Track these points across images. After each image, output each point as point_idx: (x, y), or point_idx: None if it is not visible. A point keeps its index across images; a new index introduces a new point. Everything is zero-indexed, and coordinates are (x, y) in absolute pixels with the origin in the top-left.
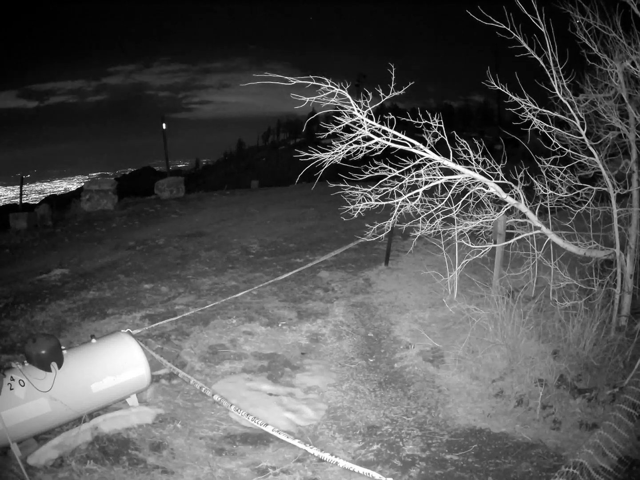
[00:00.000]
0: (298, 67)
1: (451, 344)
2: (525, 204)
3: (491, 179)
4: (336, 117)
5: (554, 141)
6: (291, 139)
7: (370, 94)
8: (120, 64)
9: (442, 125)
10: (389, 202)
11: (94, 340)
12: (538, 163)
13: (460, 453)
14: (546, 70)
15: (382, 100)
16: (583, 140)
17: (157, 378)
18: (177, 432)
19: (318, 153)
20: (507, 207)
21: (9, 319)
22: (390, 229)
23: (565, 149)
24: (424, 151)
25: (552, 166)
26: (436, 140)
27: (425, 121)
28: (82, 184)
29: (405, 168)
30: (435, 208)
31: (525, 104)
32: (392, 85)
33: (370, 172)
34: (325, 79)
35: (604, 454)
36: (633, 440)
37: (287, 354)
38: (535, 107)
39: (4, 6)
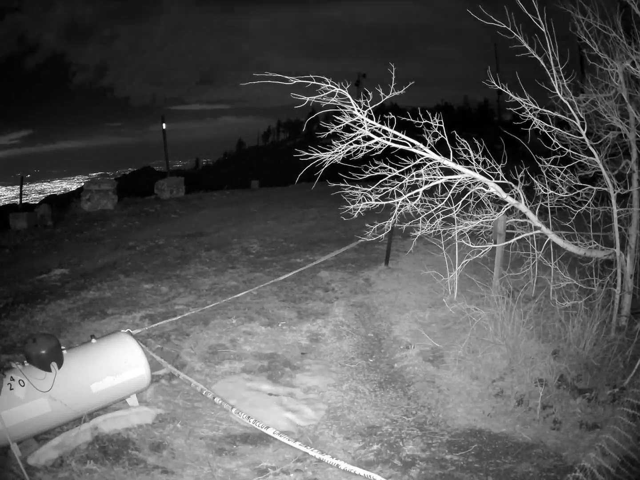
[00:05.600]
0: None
1: (451, 344)
2: (526, 204)
3: (491, 179)
4: (336, 117)
5: (554, 141)
6: (291, 139)
7: (370, 94)
8: None
9: (442, 125)
10: (389, 202)
11: (94, 340)
12: (538, 163)
13: (460, 453)
14: (546, 70)
15: (382, 100)
16: (583, 140)
17: (157, 378)
18: (177, 432)
19: (318, 153)
20: (507, 207)
21: (9, 319)
22: (390, 229)
23: (565, 148)
24: (424, 151)
25: (553, 166)
26: (436, 140)
27: (426, 121)
28: (82, 184)
29: (405, 168)
30: (435, 208)
31: (525, 104)
32: (392, 85)
33: (370, 172)
34: (325, 78)
35: (604, 454)
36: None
37: (287, 354)
38: (536, 107)
39: None
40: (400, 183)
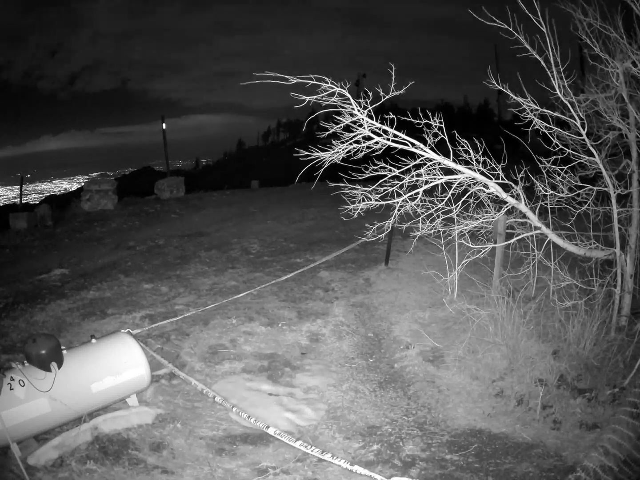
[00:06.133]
0: None
1: (451, 344)
2: (526, 204)
3: (491, 179)
4: (336, 117)
5: (554, 141)
6: (291, 139)
7: (370, 94)
8: None
9: (443, 125)
10: (389, 202)
11: (94, 340)
12: (538, 163)
13: (460, 453)
14: (547, 70)
15: (382, 100)
16: (583, 140)
17: (157, 378)
18: (177, 432)
19: (318, 153)
20: (507, 207)
21: (9, 319)
22: (390, 229)
23: (565, 149)
24: (425, 151)
25: (553, 166)
26: (436, 139)
27: (426, 121)
28: (82, 184)
29: (406, 168)
30: (436, 208)
31: (526, 104)
32: (392, 85)
33: (370, 172)
34: (325, 78)
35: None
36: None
37: (287, 354)
38: (536, 107)
39: None
40: (400, 183)
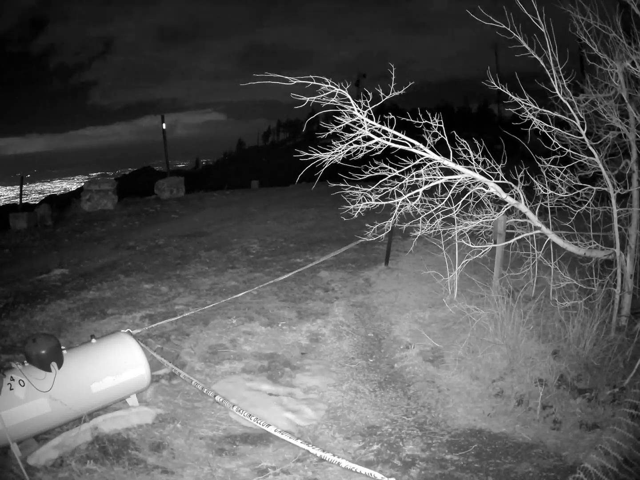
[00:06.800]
0: None
1: (451, 344)
2: (525, 204)
3: (491, 179)
4: (336, 117)
5: (554, 141)
6: (291, 139)
7: (370, 94)
8: None
9: (442, 125)
10: (389, 202)
11: (94, 340)
12: (538, 163)
13: (460, 453)
14: (546, 70)
15: (382, 100)
16: (583, 140)
17: (157, 378)
18: (177, 432)
19: (318, 153)
20: (507, 207)
21: (9, 319)
22: (390, 229)
23: (565, 149)
24: (424, 151)
25: (552, 166)
26: (436, 140)
27: (425, 121)
28: (82, 184)
29: (405, 168)
30: (435, 208)
31: (525, 104)
32: (392, 85)
33: (370, 172)
34: (325, 78)
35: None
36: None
37: (287, 354)
38: (536, 107)
39: None
40: (400, 183)
